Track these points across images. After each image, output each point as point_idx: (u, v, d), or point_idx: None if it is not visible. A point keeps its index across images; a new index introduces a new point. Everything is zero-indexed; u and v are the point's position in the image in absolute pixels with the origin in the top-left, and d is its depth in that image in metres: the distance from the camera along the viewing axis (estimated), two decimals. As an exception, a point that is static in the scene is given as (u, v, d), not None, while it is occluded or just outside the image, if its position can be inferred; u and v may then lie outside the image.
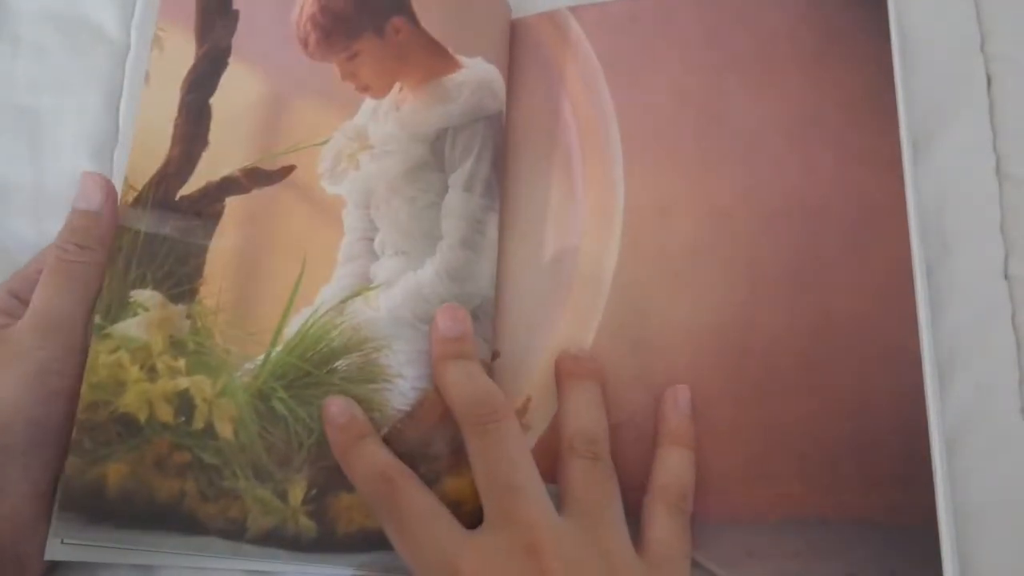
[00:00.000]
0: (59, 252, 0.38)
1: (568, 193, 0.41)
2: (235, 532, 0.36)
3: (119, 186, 0.40)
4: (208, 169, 0.40)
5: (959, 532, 0.35)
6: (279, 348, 0.38)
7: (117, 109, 0.47)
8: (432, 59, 0.41)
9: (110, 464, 0.36)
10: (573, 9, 0.43)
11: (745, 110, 0.40)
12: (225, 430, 0.37)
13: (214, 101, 0.41)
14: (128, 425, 0.37)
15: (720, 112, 0.40)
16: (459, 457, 0.36)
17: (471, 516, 0.35)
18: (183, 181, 0.40)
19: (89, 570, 0.38)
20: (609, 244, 0.40)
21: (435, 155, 0.40)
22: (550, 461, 0.37)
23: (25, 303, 0.38)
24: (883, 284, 0.37)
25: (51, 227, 0.43)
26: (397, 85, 0.41)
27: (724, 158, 0.40)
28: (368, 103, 0.41)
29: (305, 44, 0.42)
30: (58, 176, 0.45)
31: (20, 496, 0.35)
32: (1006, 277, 0.39)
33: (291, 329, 0.38)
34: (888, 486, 0.34)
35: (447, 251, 0.39)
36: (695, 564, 0.35)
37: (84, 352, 0.37)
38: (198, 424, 0.37)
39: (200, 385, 0.38)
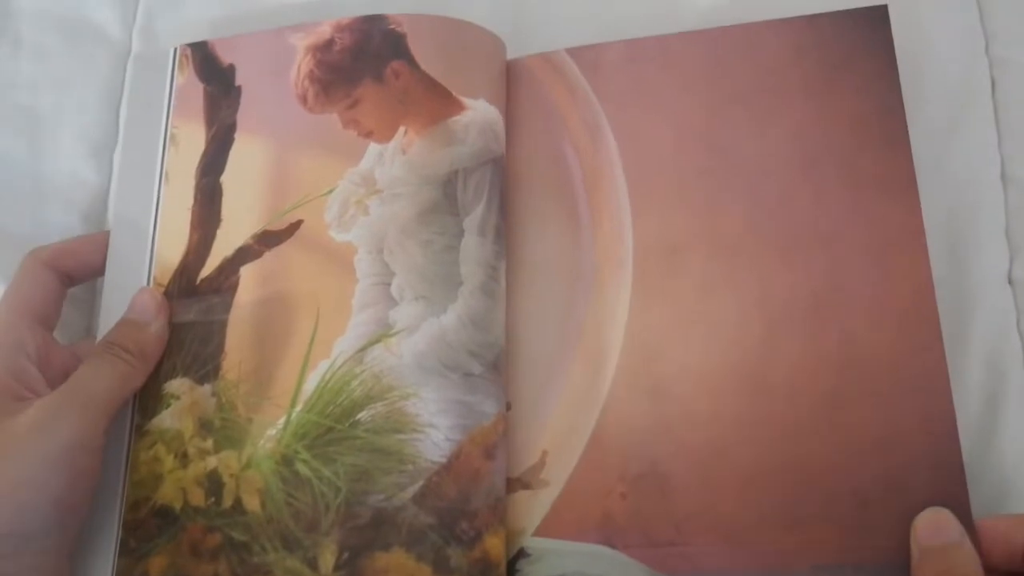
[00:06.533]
0: (105, 345, 0.38)
1: (574, 237, 0.40)
2: None
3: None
4: (223, 245, 0.40)
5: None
6: (299, 408, 0.37)
7: (117, 109, 0.47)
8: (436, 101, 0.40)
9: (152, 559, 0.36)
10: (570, 50, 0.42)
11: (751, 142, 0.39)
12: (252, 503, 0.36)
13: (224, 179, 0.41)
14: (166, 516, 0.37)
15: (726, 146, 0.40)
16: (496, 513, 0.36)
17: None
18: (202, 264, 0.40)
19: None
20: (620, 288, 0.39)
21: (447, 198, 0.39)
22: (569, 519, 0.36)
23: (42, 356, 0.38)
24: (905, 310, 0.36)
25: (51, 227, 0.44)
26: (402, 129, 0.40)
27: (732, 192, 0.39)
28: (373, 148, 0.40)
29: (304, 100, 0.41)
30: (58, 176, 0.45)
31: None
32: (1010, 282, 0.39)
33: (310, 386, 0.37)
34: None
35: (469, 297, 0.38)
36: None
37: (109, 434, 0.37)
38: (227, 502, 0.37)
39: (227, 461, 0.37)
